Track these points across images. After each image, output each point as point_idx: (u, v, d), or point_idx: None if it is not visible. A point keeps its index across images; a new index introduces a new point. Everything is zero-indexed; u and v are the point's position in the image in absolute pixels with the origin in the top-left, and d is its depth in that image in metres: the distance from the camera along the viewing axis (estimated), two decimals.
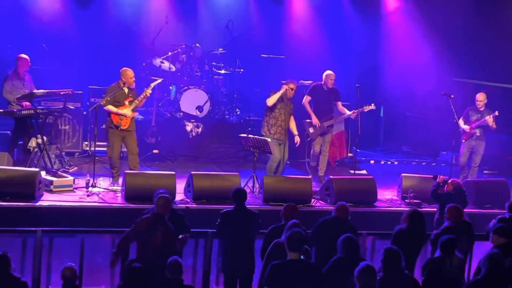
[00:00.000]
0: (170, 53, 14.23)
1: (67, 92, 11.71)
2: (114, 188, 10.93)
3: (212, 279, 9.18)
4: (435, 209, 9.86)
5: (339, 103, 12.42)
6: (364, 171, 13.37)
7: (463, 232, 8.15)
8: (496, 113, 12.13)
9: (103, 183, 11.04)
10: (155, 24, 14.60)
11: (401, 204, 11.28)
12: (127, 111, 10.91)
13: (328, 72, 12.30)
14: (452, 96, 12.08)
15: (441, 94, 12.40)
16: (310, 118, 12.29)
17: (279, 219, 8.14)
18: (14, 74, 11.81)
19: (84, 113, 13.27)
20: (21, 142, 11.57)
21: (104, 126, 11.34)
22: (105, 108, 10.87)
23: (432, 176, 10.20)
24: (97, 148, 11.44)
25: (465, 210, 8.90)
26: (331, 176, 11.30)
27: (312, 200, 10.99)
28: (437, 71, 15.53)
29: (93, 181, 10.86)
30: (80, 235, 8.95)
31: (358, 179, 11.78)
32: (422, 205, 10.96)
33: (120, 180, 10.90)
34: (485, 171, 13.97)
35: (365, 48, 15.72)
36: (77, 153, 13.19)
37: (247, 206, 8.41)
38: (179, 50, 14.38)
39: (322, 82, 12.30)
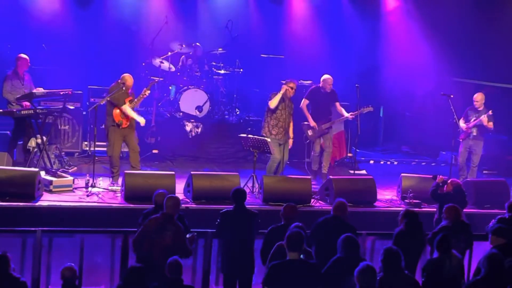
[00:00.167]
0: (169, 53, 14.23)
1: (66, 92, 11.72)
2: (114, 188, 10.93)
3: (212, 279, 9.19)
4: (435, 209, 9.85)
5: (338, 104, 12.38)
6: (363, 171, 13.35)
7: (461, 232, 8.14)
8: (490, 112, 12.12)
9: (103, 183, 11.04)
10: (155, 24, 14.57)
11: (400, 204, 11.25)
12: (141, 120, 11.11)
13: (326, 76, 12.21)
14: (452, 96, 12.07)
15: (441, 94, 12.41)
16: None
17: (278, 219, 8.12)
18: (13, 74, 11.79)
19: (84, 113, 13.28)
20: (21, 142, 11.57)
21: (103, 126, 11.33)
22: (122, 109, 10.87)
23: (431, 176, 10.20)
24: (96, 148, 11.43)
25: (464, 210, 8.91)
26: (330, 176, 11.30)
27: (312, 200, 10.99)
28: (436, 71, 15.54)
29: (93, 181, 10.85)
30: (79, 235, 8.96)
31: (358, 179, 11.77)
32: (421, 205, 10.96)
33: (120, 180, 10.90)
34: (484, 171, 13.96)
35: (365, 48, 15.71)
36: (77, 153, 13.19)
37: (247, 206, 8.40)
38: (179, 50, 14.36)
39: (320, 85, 12.28)
